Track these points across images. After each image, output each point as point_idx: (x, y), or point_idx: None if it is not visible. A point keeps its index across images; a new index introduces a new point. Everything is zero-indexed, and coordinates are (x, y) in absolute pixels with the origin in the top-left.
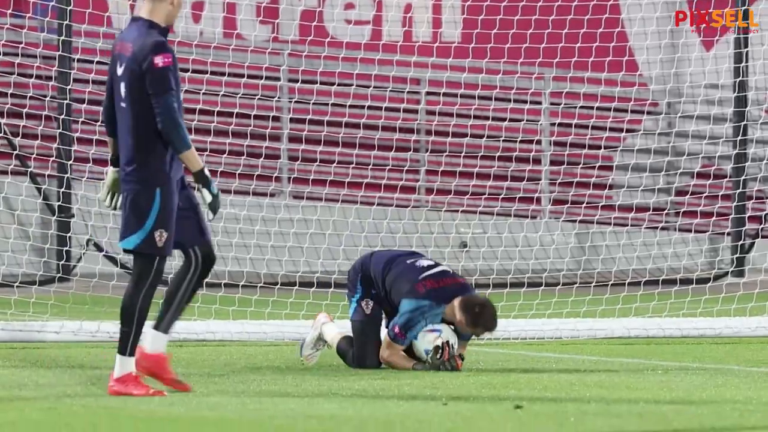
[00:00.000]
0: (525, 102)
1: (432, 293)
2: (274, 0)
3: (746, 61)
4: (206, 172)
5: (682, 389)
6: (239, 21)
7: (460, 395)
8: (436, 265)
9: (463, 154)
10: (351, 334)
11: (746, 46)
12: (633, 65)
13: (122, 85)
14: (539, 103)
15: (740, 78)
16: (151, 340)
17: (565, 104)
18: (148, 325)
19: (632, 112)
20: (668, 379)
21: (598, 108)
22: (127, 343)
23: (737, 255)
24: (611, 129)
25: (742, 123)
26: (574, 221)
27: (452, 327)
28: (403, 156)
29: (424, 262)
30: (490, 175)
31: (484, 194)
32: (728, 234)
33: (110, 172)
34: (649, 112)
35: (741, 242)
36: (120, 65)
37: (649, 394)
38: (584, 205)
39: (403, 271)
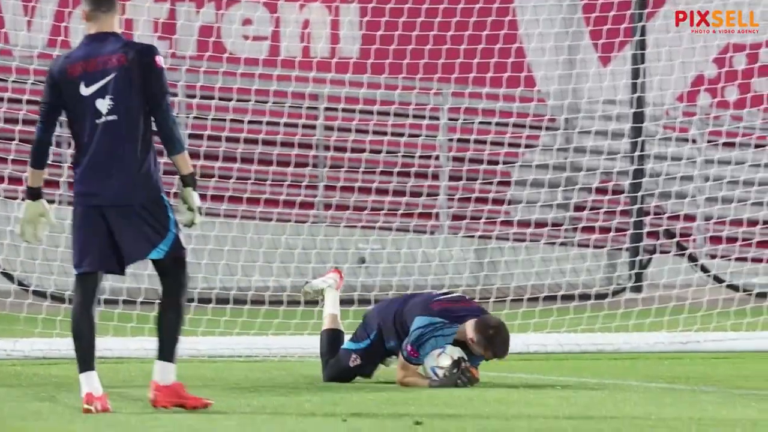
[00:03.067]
0: (423, 117)
1: (445, 312)
2: (172, 15)
3: (643, 77)
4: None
5: (581, 405)
6: (136, 36)
7: (359, 412)
8: (452, 293)
9: (361, 169)
10: (338, 325)
11: (643, 62)
12: (531, 81)
13: (104, 100)
14: (437, 118)
15: (637, 94)
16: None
17: (463, 120)
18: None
19: (530, 127)
20: (567, 395)
21: (497, 123)
22: (174, 350)
23: (635, 270)
24: (509, 144)
25: (640, 139)
26: (473, 237)
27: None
28: (302, 172)
29: (441, 291)
30: (389, 190)
31: (383, 210)
32: (626, 249)
33: (32, 205)
34: (547, 128)
35: (639, 258)
36: (92, 83)
37: (549, 410)
38: (483, 220)
39: (419, 297)
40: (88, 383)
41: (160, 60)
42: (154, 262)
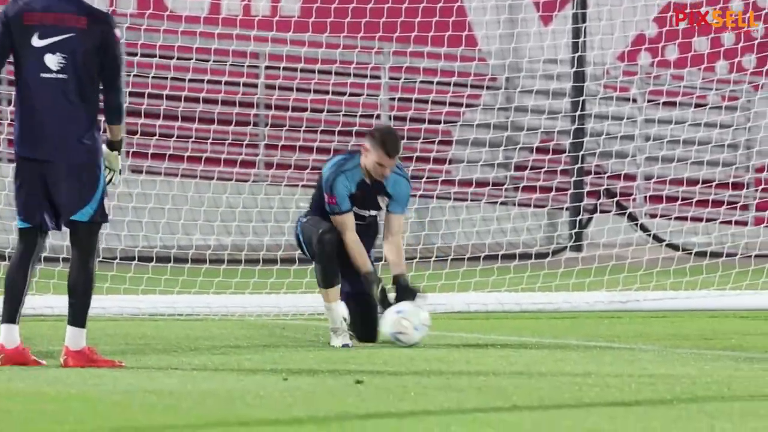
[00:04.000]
0: (365, 77)
1: (346, 151)
2: None
3: (584, 37)
4: None
5: (521, 364)
6: None
7: (300, 369)
8: None
9: (302, 128)
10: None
11: (584, 21)
12: (472, 40)
13: (54, 56)
14: (379, 77)
15: (578, 53)
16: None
17: (404, 79)
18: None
19: (472, 86)
20: (507, 354)
21: (438, 83)
22: (86, 315)
23: (576, 230)
24: (451, 104)
25: (581, 98)
26: (414, 196)
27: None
28: (243, 130)
29: None
30: (330, 149)
31: None
32: (567, 209)
33: None
34: (488, 87)
35: (579, 217)
36: (45, 37)
37: (489, 369)
38: (424, 179)
39: None
40: (8, 334)
41: (118, 33)
42: (72, 224)
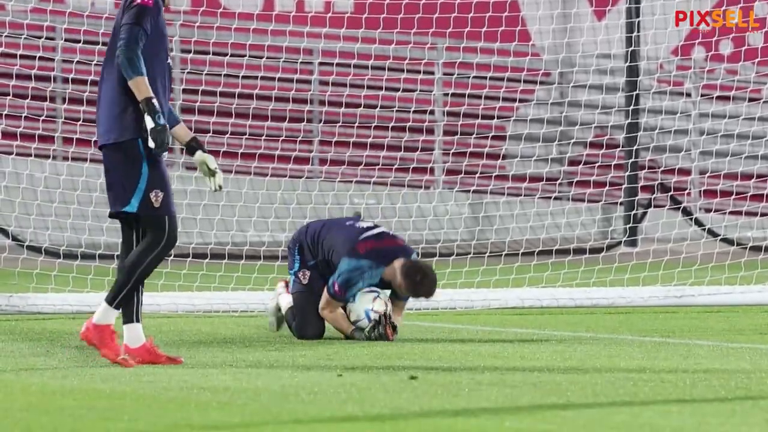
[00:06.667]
0: (418, 72)
1: (372, 254)
2: None
3: (638, 31)
4: (155, 102)
5: (576, 359)
6: None
7: (354, 366)
8: (375, 226)
9: (356, 124)
10: None
11: (638, 15)
12: (525, 35)
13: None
14: (432, 73)
15: (632, 48)
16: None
17: (458, 74)
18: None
19: (525, 81)
20: (562, 349)
21: (491, 78)
22: (118, 296)
23: (630, 224)
24: (504, 99)
25: (634, 93)
26: (468, 191)
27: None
28: (297, 127)
29: (363, 224)
30: (384, 145)
31: (378, 165)
32: (621, 204)
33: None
34: (541, 82)
35: (634, 212)
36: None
37: (544, 364)
38: (478, 175)
39: (341, 232)
40: (130, 333)
41: None
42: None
